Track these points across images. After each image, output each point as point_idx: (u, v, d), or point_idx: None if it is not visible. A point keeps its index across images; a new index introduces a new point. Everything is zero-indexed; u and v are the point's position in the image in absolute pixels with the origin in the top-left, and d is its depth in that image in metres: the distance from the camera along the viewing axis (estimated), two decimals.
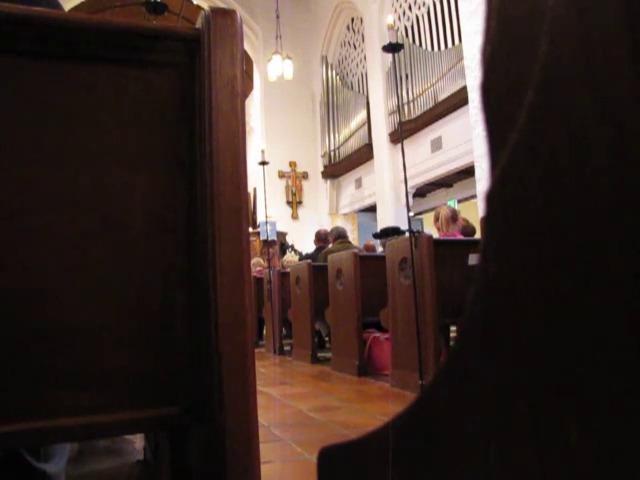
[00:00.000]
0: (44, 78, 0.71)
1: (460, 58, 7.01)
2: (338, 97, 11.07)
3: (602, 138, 0.24)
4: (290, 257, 7.30)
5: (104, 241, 0.72)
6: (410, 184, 7.83)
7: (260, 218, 9.66)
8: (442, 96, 7.84)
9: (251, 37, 11.61)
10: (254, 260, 6.91)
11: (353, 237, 10.29)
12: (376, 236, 4.20)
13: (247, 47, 11.36)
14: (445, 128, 8.01)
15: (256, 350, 5.31)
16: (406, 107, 8.54)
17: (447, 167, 8.03)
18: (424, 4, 8.66)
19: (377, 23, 9.58)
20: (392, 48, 2.91)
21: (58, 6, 1.16)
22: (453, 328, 3.56)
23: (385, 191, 9.28)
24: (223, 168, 0.73)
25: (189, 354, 0.74)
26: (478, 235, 4.17)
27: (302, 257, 7.31)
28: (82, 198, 0.72)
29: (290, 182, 11.52)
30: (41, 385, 0.67)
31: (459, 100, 7.22)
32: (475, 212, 7.80)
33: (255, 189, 11.31)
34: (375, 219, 9.71)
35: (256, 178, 9.85)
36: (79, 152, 0.72)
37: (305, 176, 11.64)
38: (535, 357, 0.27)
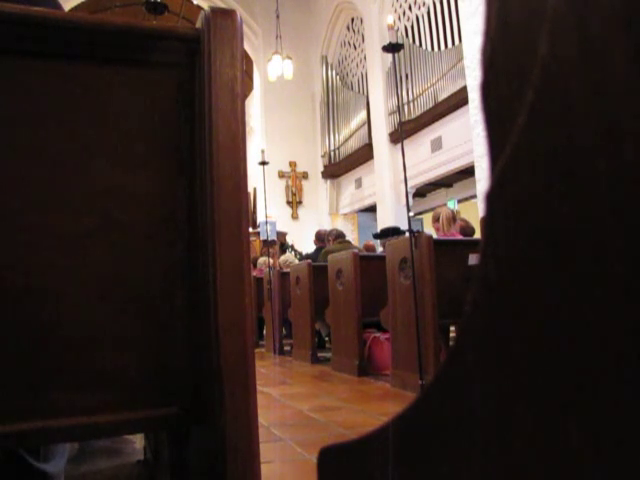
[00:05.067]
0: (44, 78, 0.71)
1: (460, 58, 7.01)
2: (338, 97, 11.07)
3: (602, 138, 0.24)
4: (286, 257, 7.29)
5: (104, 241, 0.72)
6: (410, 184, 7.83)
7: (260, 218, 9.66)
8: (442, 96, 7.84)
9: (251, 37, 11.61)
10: (261, 260, 6.91)
11: (353, 237, 10.29)
12: (376, 236, 4.20)
13: (247, 47, 11.35)
14: (445, 128, 8.01)
15: (256, 350, 5.31)
16: (406, 107, 8.54)
17: (447, 167, 8.03)
18: (424, 4, 8.66)
19: (377, 23, 9.58)
20: (392, 48, 2.91)
21: (58, 6, 1.16)
22: (453, 328, 3.56)
23: (385, 191, 9.28)
24: (223, 168, 0.73)
25: (189, 354, 0.74)
26: (478, 235, 4.17)
27: (302, 257, 7.31)
28: (82, 198, 0.72)
29: (290, 182, 11.52)
30: (41, 385, 0.67)
31: (459, 100, 7.22)
32: (475, 212, 7.80)
33: (255, 189, 11.31)
34: (375, 219, 9.71)
35: (256, 178, 9.86)
36: (79, 152, 0.72)
37: (305, 176, 11.64)
38: (535, 357, 0.27)
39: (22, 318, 0.67)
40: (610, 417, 0.23)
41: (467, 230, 4.22)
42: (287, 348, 5.35)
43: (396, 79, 3.45)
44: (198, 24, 0.78)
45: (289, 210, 11.44)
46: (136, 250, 0.73)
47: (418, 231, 3.11)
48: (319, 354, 4.60)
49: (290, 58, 9.95)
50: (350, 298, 3.76)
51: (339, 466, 0.44)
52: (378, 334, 3.92)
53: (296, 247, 9.83)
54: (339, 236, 5.56)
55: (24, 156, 0.70)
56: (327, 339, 5.35)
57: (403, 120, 8.24)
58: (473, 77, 5.83)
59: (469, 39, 5.98)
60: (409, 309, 2.96)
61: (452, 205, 8.95)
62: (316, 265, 4.69)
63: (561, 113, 0.26)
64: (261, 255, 7.59)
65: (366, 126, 9.91)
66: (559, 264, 0.26)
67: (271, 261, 5.74)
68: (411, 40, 8.85)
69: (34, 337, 0.68)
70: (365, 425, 2.17)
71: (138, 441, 1.78)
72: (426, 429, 0.35)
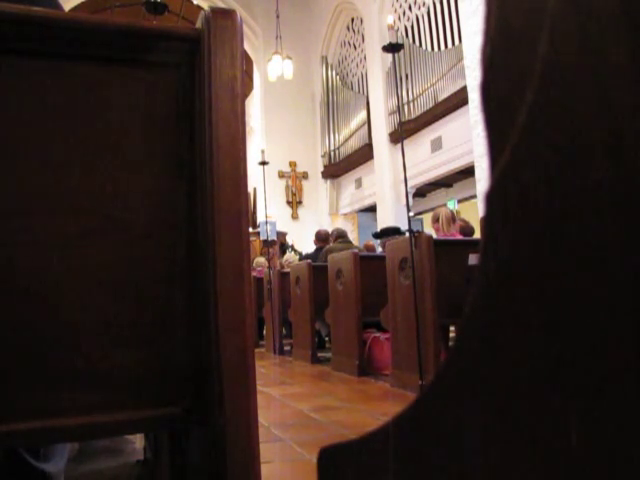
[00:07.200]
0: (44, 78, 0.71)
1: (460, 58, 7.01)
2: (338, 97, 11.07)
3: (602, 138, 0.24)
4: (288, 256, 7.28)
5: (104, 241, 0.72)
6: (410, 184, 7.83)
7: (260, 218, 9.66)
8: (442, 96, 7.84)
9: (251, 37, 11.61)
10: (258, 259, 6.90)
11: (353, 237, 10.28)
12: (376, 236, 4.20)
13: (247, 47, 11.35)
14: (445, 128, 8.01)
15: (256, 350, 5.31)
16: (406, 107, 8.54)
17: (447, 167, 8.03)
18: (424, 4, 8.66)
19: (377, 23, 9.58)
20: (392, 48, 2.91)
21: (58, 6, 1.16)
22: (453, 328, 3.56)
23: (385, 191, 9.28)
24: (223, 168, 0.73)
25: (189, 354, 0.74)
26: (478, 235, 4.16)
27: (302, 257, 7.30)
28: (82, 198, 0.72)
29: (290, 182, 11.52)
30: (41, 385, 0.67)
31: (459, 100, 7.22)
32: (475, 212, 7.80)
33: (255, 189, 11.30)
34: (375, 219, 9.71)
35: (256, 178, 9.85)
36: (79, 152, 0.72)
37: (305, 176, 11.64)
38: (535, 357, 0.27)
39: (22, 318, 0.67)
40: (610, 417, 0.23)
41: (467, 230, 4.22)
42: (287, 348, 5.35)
43: (396, 79, 3.45)
44: (198, 24, 0.78)
45: (289, 210, 11.44)
46: (136, 250, 0.73)
47: (418, 231, 3.11)
48: (319, 354, 4.60)
49: (290, 58, 9.95)
50: (350, 298, 3.76)
51: (339, 466, 0.44)
52: (378, 334, 3.91)
53: (296, 247, 9.83)
54: (340, 236, 5.56)
55: (24, 156, 0.70)
56: (327, 339, 5.35)
57: (403, 120, 8.24)
58: (473, 77, 5.83)
59: (469, 39, 5.98)
60: (409, 309, 2.96)
61: (452, 205, 8.95)
62: (316, 265, 4.69)
63: (561, 113, 0.26)
64: (261, 255, 7.58)
65: (366, 126, 9.91)
66: (559, 264, 0.26)
67: (266, 263, 5.73)
68: (411, 40, 8.85)
69: (33, 337, 0.68)
70: (365, 425, 2.17)
71: (138, 441, 1.78)
72: (426, 429, 0.35)
